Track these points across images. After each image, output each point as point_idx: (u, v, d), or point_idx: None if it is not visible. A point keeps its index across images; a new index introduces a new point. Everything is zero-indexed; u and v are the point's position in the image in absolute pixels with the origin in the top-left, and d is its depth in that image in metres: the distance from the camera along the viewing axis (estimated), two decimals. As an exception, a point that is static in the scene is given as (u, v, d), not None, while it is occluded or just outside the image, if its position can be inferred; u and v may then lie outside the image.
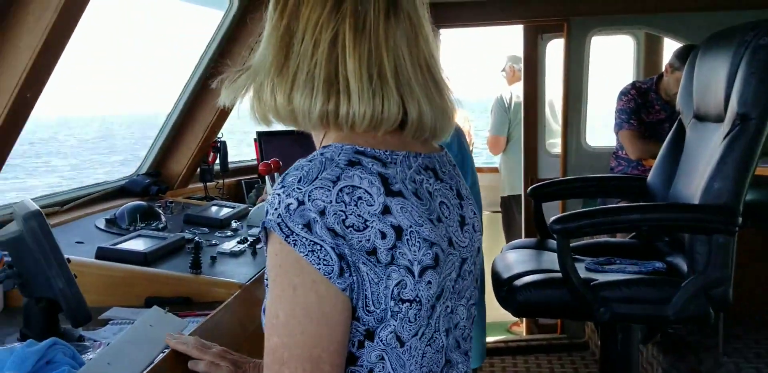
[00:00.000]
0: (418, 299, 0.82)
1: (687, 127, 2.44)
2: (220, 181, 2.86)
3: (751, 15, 3.36)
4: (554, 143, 4.08)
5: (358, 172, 0.80)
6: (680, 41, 3.63)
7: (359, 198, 0.78)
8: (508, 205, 4.50)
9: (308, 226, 0.76)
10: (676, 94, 3.40)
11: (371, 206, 0.79)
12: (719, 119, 2.11)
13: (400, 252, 0.80)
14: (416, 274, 0.81)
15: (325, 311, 0.78)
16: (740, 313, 2.71)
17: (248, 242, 2.00)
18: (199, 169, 2.80)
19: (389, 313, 0.81)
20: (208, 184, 2.79)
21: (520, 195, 4.19)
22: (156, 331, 1.32)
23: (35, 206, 1.33)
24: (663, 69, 3.61)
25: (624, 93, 3.60)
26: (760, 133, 1.94)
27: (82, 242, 1.87)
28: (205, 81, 2.65)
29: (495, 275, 2.27)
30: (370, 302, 0.80)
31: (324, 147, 0.84)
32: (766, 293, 2.90)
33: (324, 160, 0.81)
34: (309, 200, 0.77)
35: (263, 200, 2.29)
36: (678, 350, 2.74)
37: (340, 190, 0.78)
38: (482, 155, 7.95)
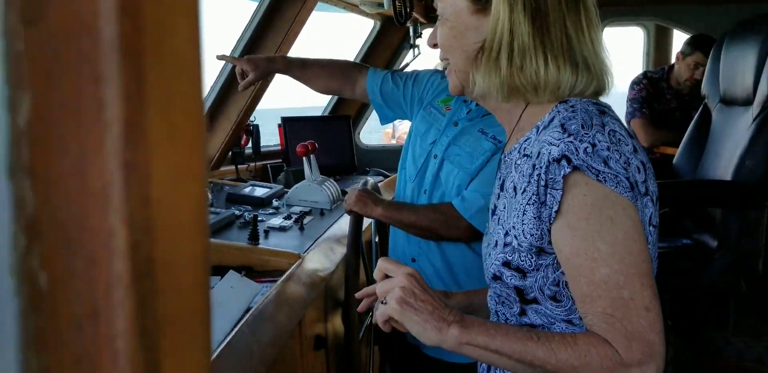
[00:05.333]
0: (657, 225, 0.94)
1: (713, 110, 2.52)
2: (251, 165, 2.91)
3: (757, 9, 3.47)
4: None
5: (609, 119, 0.91)
6: (689, 33, 3.72)
7: (619, 140, 0.89)
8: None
9: (606, 163, 0.85)
10: (687, 81, 3.52)
11: (627, 145, 0.89)
12: (747, 103, 2.19)
13: (648, 184, 0.91)
14: (656, 203, 0.93)
15: (639, 229, 0.87)
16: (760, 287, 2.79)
17: (293, 218, 2.06)
18: (231, 152, 2.84)
19: (648, 237, 0.91)
20: (238, 166, 2.85)
21: None
22: (237, 293, 1.39)
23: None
24: (673, 60, 3.70)
25: (636, 82, 3.69)
26: (789, 115, 2.03)
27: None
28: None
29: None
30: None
31: (562, 103, 0.95)
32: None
33: (582, 110, 0.92)
34: (597, 142, 0.86)
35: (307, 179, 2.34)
36: (691, 329, 2.83)
37: (608, 133, 0.88)
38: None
